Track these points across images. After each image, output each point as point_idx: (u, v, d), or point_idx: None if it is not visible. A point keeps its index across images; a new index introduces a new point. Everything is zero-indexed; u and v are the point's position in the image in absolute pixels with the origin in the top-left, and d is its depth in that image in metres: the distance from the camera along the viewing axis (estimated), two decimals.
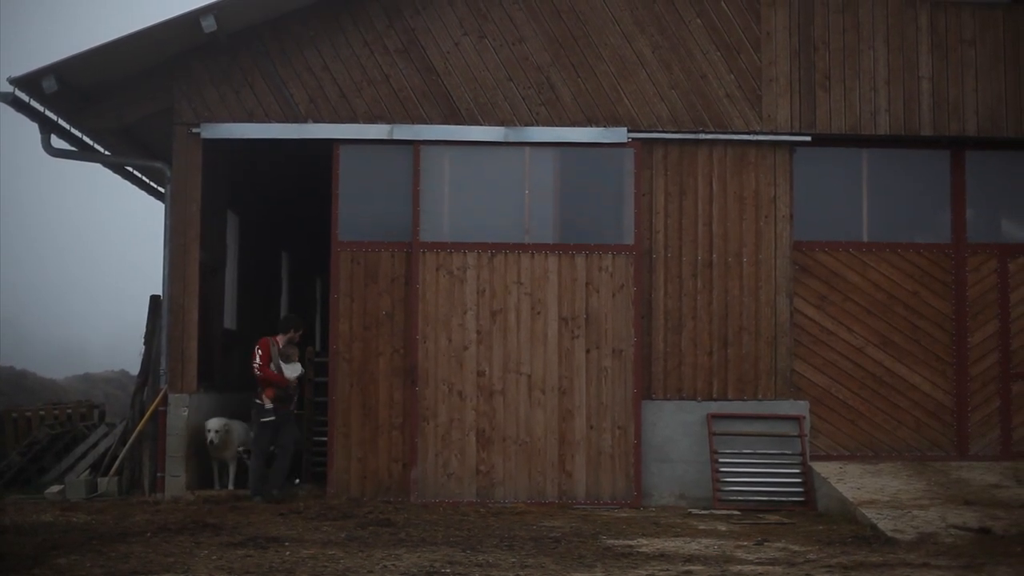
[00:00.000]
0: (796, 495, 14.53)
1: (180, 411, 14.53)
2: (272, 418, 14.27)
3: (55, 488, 14.87)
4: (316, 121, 14.81)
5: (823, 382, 15.08)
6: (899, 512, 12.42)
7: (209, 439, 14.67)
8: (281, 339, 14.58)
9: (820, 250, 15.22)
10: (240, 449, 15.12)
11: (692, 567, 9.94)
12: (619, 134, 14.92)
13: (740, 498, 14.51)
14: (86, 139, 15.53)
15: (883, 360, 15.17)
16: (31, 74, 13.83)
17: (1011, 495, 13.22)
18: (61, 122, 14.86)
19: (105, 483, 14.68)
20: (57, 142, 15.00)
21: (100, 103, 14.92)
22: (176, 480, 14.41)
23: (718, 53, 15.07)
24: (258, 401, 14.31)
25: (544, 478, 14.54)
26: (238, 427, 15.21)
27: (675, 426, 14.80)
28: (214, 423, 14.76)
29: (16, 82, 13.85)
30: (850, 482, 13.81)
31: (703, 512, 14.03)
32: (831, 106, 15.12)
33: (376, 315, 14.66)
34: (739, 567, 9.98)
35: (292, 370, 14.57)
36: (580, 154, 14.96)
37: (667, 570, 9.78)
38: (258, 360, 14.29)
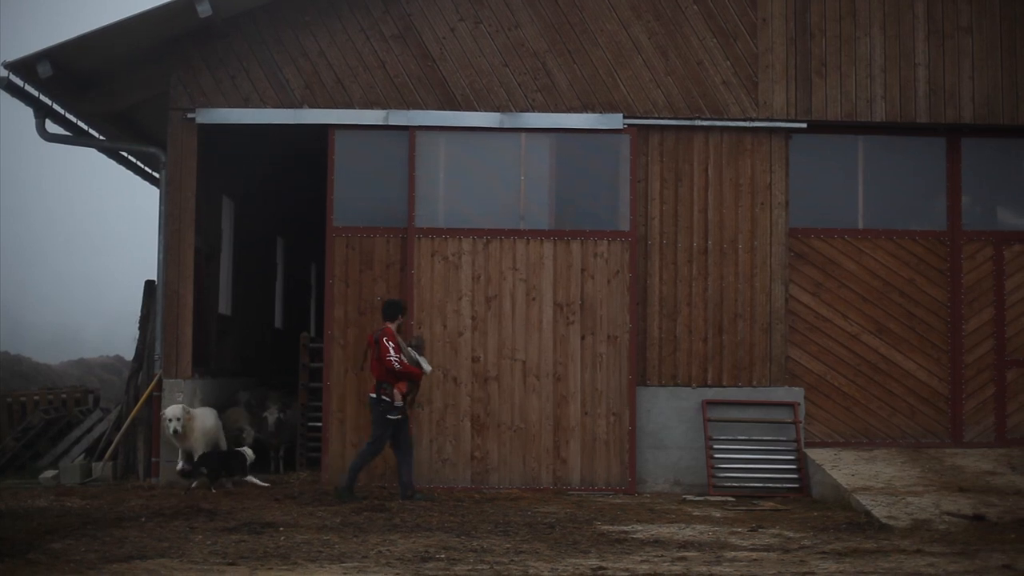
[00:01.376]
0: (791, 482, 14.56)
1: (175, 396, 14.51)
2: (400, 416, 13.18)
3: (50, 473, 14.89)
4: (312, 106, 14.77)
5: (818, 369, 15.09)
6: (893, 499, 12.44)
7: (172, 429, 13.91)
8: (392, 327, 13.36)
9: (816, 237, 15.21)
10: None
11: (687, 553, 9.95)
12: (615, 120, 14.89)
13: (735, 484, 14.53)
14: (81, 124, 15.49)
15: (878, 347, 15.18)
16: (26, 58, 13.76)
17: (1005, 482, 13.25)
18: (56, 107, 14.81)
19: (100, 468, 14.69)
20: (52, 127, 14.96)
21: (95, 88, 14.88)
22: (171, 465, 14.39)
23: (714, 39, 15.04)
24: (385, 398, 13.05)
25: (539, 464, 14.55)
26: (205, 416, 14.55)
27: (670, 412, 14.81)
28: (172, 411, 14.01)
29: (11, 66, 13.79)
30: (845, 469, 13.84)
31: (698, 498, 14.05)
32: (827, 93, 15.10)
33: (371, 301, 14.64)
34: (734, 553, 9.99)
35: (426, 363, 13.47)
36: (576, 140, 14.94)
37: (662, 556, 9.79)
38: (393, 353, 13.00)
